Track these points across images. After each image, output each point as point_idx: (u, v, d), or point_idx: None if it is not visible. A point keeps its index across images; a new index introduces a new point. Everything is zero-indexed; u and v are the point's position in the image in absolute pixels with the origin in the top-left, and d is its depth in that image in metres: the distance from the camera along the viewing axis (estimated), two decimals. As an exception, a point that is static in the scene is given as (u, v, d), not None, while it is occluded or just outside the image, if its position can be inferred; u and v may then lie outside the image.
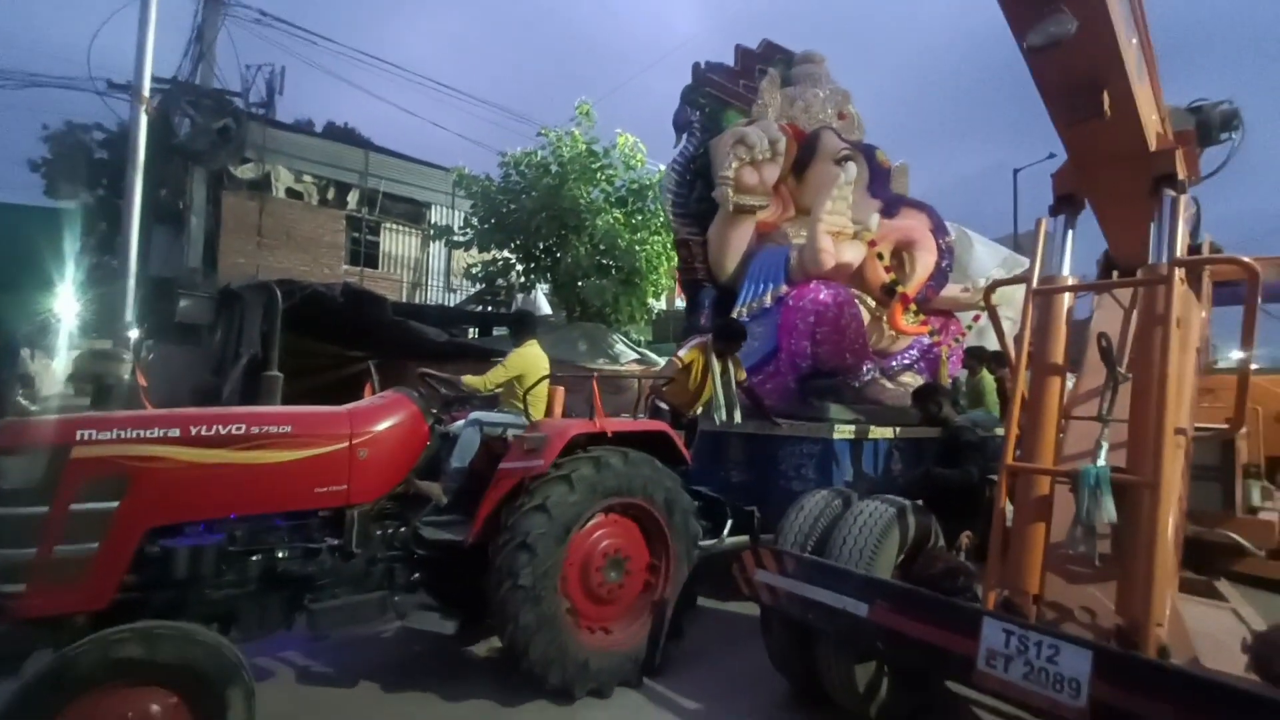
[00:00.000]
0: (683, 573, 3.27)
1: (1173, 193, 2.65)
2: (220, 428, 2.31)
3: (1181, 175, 2.75)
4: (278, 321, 6.70)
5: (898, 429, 4.71)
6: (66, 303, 10.44)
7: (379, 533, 2.75)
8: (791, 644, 2.88)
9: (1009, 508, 2.58)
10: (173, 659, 1.92)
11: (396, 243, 14.03)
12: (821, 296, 4.97)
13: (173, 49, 10.08)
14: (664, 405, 4.55)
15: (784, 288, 5.25)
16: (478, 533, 2.81)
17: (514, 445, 3.04)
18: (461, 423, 3.47)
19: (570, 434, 2.96)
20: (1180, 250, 2.70)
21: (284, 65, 11.40)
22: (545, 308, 11.89)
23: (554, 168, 9.95)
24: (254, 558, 2.38)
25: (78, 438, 2.09)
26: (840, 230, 5.28)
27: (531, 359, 3.88)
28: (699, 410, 4.62)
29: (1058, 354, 2.70)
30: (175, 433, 2.23)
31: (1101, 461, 2.49)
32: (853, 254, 5.29)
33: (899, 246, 5.56)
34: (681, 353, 4.56)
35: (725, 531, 3.91)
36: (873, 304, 5.51)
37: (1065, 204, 2.93)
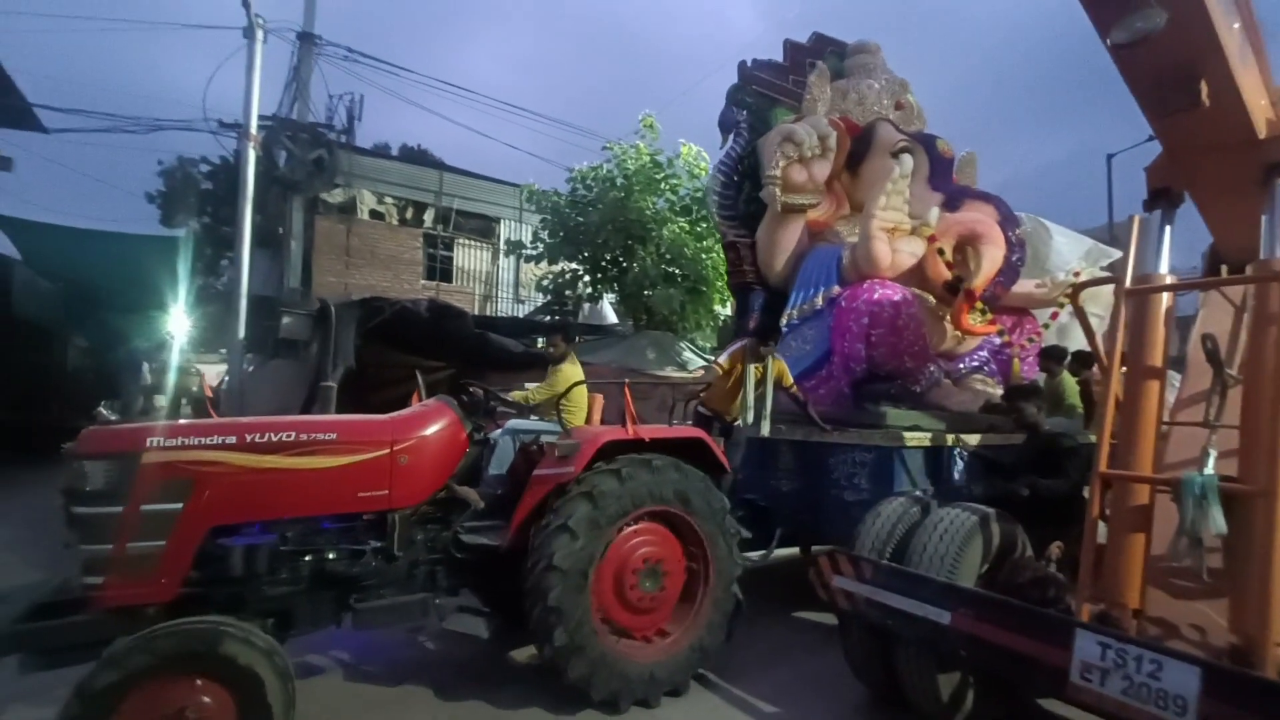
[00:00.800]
0: (726, 574, 3.19)
1: (1287, 183, 2.48)
2: (272, 435, 2.46)
3: (1297, 163, 2.57)
4: (333, 334, 7.21)
5: (976, 435, 4.41)
6: (179, 321, 11.59)
7: (420, 536, 2.82)
8: (871, 650, 2.87)
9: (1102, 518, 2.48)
10: (229, 656, 2.04)
11: (469, 257, 14.71)
12: (875, 296, 4.72)
13: (273, 86, 11.09)
14: (706, 411, 4.50)
15: (836, 288, 5.02)
16: (514, 538, 2.85)
17: (547, 452, 3.06)
18: (499, 431, 3.54)
19: (601, 441, 2.95)
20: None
21: (362, 94, 12.32)
22: (611, 317, 12.13)
23: (619, 180, 10.15)
24: (305, 558, 2.50)
25: (147, 444, 2.27)
26: (896, 226, 5.02)
27: (571, 375, 4.01)
28: (748, 418, 4.50)
29: (1156, 356, 2.56)
30: (232, 440, 2.39)
31: (1209, 469, 2.35)
32: (911, 251, 5.04)
33: (963, 241, 5.23)
34: (722, 359, 4.44)
35: (774, 542, 3.81)
36: (934, 303, 5.22)
37: (1161, 198, 2.76)
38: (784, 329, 5.24)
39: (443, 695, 3.04)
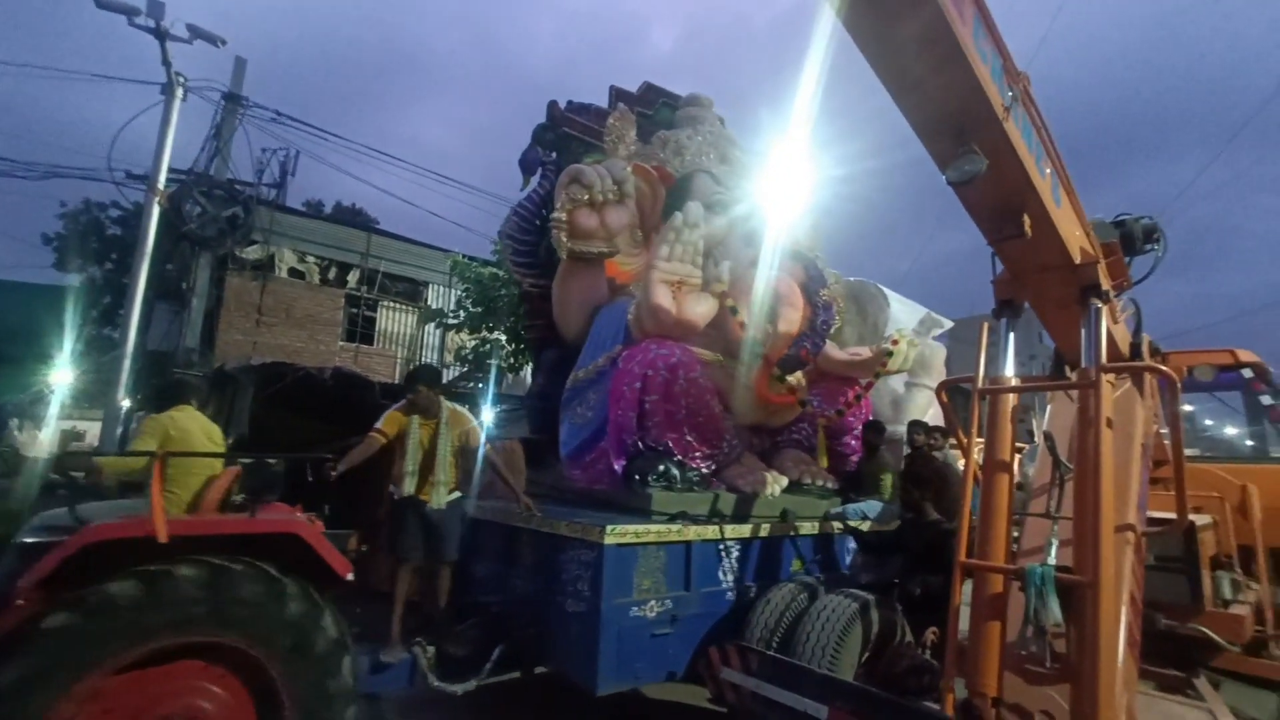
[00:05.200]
0: None
1: (1098, 302, 2.87)
2: None
3: (1108, 285, 2.98)
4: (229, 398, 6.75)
5: (749, 526, 3.77)
6: (61, 375, 10.56)
7: None
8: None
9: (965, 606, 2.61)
10: None
11: (393, 320, 14.38)
12: (650, 357, 4.08)
13: (192, 140, 10.80)
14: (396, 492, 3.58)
15: (618, 348, 4.38)
16: None
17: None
18: None
19: (88, 540, 2.14)
20: (1119, 350, 2.88)
21: (297, 151, 12.19)
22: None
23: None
24: None
25: None
26: (683, 279, 4.44)
27: (169, 430, 2.90)
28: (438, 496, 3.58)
29: (1005, 450, 2.82)
30: None
31: (1051, 559, 2.56)
32: (705, 308, 4.41)
33: (758, 300, 4.62)
34: (379, 424, 3.58)
35: (489, 664, 3.24)
36: (736, 367, 4.58)
37: (1006, 308, 3.15)
38: (566, 392, 4.69)
39: None
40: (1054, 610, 2.26)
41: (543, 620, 3.39)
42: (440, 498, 3.53)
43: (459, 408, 3.78)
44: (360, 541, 3.59)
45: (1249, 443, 5.84)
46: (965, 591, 2.58)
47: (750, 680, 2.71)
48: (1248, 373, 5.44)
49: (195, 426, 3.05)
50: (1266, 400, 5.41)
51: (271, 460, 2.97)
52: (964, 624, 2.53)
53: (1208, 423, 7.94)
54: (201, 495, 2.88)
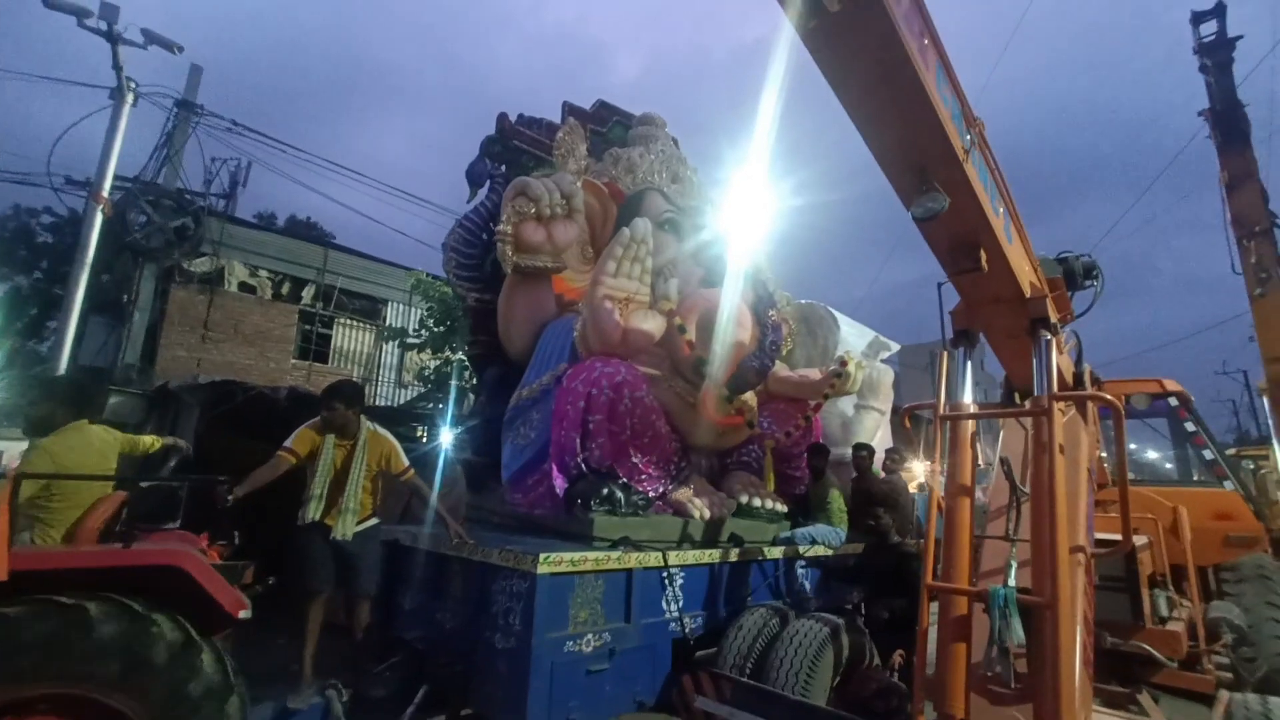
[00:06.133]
0: None
1: (1047, 334, 3.06)
2: None
3: (1054, 317, 3.18)
4: (170, 419, 6.15)
5: (696, 553, 3.60)
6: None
7: None
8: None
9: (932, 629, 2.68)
10: None
11: (349, 338, 13.96)
12: (594, 375, 3.95)
13: (142, 147, 10.36)
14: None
15: (563, 365, 4.27)
16: None
17: None
18: None
19: None
20: (1064, 379, 3.06)
21: (249, 161, 11.82)
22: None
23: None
24: None
25: None
26: (630, 296, 4.36)
27: (57, 461, 2.65)
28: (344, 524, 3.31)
29: (966, 475, 2.94)
30: None
31: (1011, 581, 2.66)
32: (652, 326, 4.32)
33: (705, 319, 4.57)
34: (289, 442, 3.32)
35: (413, 707, 3.04)
36: (684, 387, 4.51)
37: (963, 338, 3.32)
38: (509, 411, 4.55)
39: None
40: (1017, 630, 2.35)
41: (469, 657, 3.10)
42: (347, 526, 3.24)
43: (380, 430, 3.55)
44: (264, 573, 3.25)
45: (1168, 466, 6.22)
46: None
47: (724, 708, 2.70)
48: (1173, 401, 5.83)
49: (93, 444, 2.77)
50: (1190, 428, 5.80)
51: (175, 484, 2.74)
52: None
53: (1131, 447, 8.45)
54: (83, 520, 2.60)
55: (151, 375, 9.68)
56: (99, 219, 8.32)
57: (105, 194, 8.40)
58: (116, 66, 8.38)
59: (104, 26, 8.20)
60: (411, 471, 3.53)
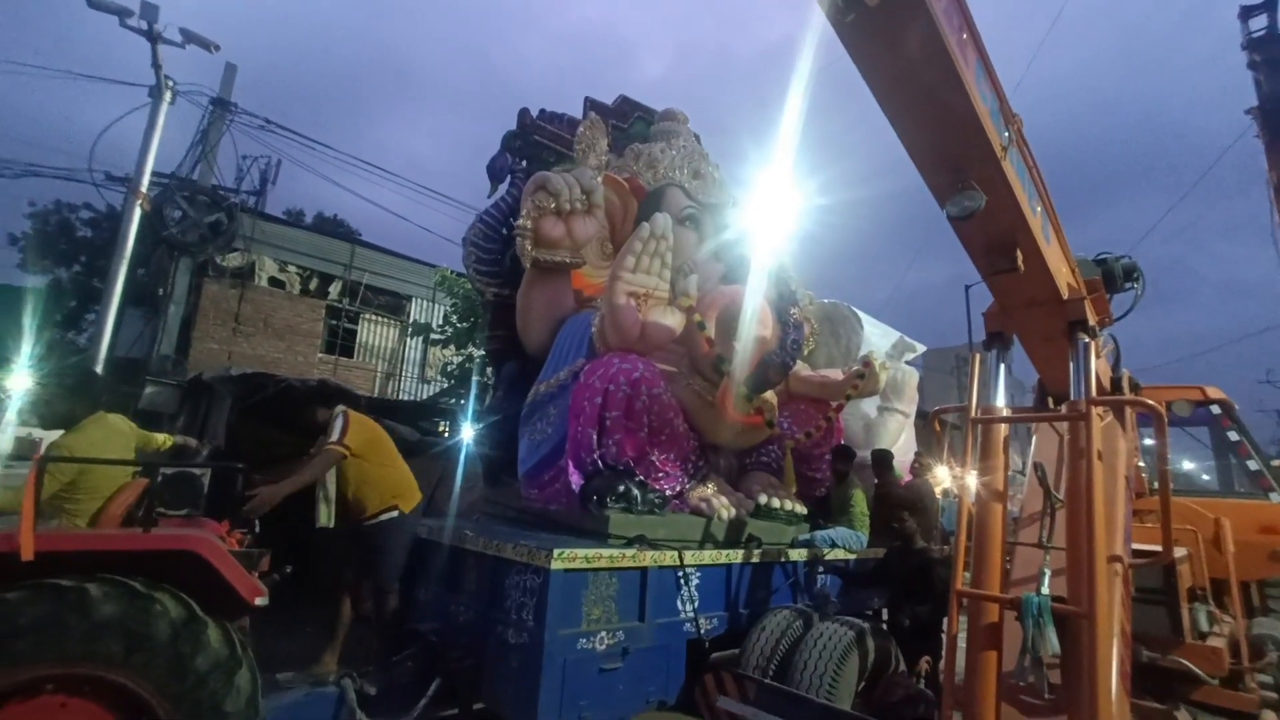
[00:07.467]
0: None
1: (1086, 337, 2.97)
2: None
3: (1092, 320, 3.08)
4: (203, 410, 6.31)
5: (710, 553, 3.59)
6: (18, 380, 10.20)
7: None
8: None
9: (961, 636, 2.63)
10: None
11: (374, 333, 14.18)
12: (612, 371, 3.91)
13: (178, 144, 10.63)
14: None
15: (581, 361, 4.22)
16: None
17: None
18: None
19: None
20: (1103, 384, 2.97)
21: (279, 159, 12.07)
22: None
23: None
24: None
25: None
26: (649, 292, 4.27)
27: (89, 444, 2.77)
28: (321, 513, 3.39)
29: (999, 480, 2.87)
30: None
31: (1045, 590, 2.59)
32: (671, 322, 4.27)
33: (726, 316, 4.53)
34: (343, 437, 3.45)
35: (425, 699, 3.02)
36: (704, 384, 4.45)
37: (996, 340, 3.24)
38: (526, 407, 4.55)
39: None
40: (1052, 640, 2.28)
41: (482, 651, 3.09)
42: (321, 516, 3.34)
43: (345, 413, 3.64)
44: (280, 561, 3.21)
45: (1204, 477, 6.00)
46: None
47: (748, 709, 2.68)
48: (1216, 409, 5.63)
49: (114, 435, 2.84)
50: (1234, 437, 5.59)
51: (197, 471, 2.82)
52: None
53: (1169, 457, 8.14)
54: (105, 507, 2.68)
55: (185, 367, 9.94)
56: (137, 214, 8.56)
57: (144, 190, 8.64)
58: (156, 65, 8.62)
59: (144, 26, 8.44)
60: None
